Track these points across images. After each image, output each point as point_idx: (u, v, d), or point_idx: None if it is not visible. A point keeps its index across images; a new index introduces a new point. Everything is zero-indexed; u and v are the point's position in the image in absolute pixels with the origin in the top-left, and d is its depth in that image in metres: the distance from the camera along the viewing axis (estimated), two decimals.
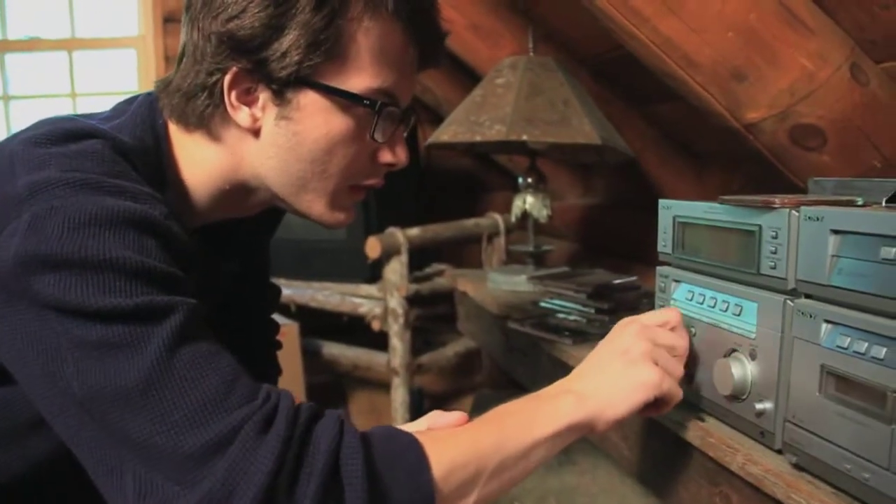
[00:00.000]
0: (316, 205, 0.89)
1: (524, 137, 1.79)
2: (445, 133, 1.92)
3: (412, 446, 0.73)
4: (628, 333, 0.91)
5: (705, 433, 1.01)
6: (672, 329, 0.97)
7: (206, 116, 0.85)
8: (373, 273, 2.61)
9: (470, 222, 2.74)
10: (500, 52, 2.28)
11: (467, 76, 2.90)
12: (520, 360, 1.76)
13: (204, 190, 0.89)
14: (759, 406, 0.92)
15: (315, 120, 0.83)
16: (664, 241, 1.14)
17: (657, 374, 0.87)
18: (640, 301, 1.66)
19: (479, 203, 3.55)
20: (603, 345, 0.93)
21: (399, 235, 2.42)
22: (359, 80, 0.83)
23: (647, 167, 2.33)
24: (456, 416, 0.85)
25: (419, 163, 3.11)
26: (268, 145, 0.85)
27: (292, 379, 2.54)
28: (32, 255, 0.67)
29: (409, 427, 0.85)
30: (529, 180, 2.06)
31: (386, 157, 0.91)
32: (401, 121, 0.90)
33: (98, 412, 0.67)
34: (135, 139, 0.83)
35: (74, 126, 0.78)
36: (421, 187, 3.00)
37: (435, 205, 3.08)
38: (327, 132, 0.84)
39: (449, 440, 0.77)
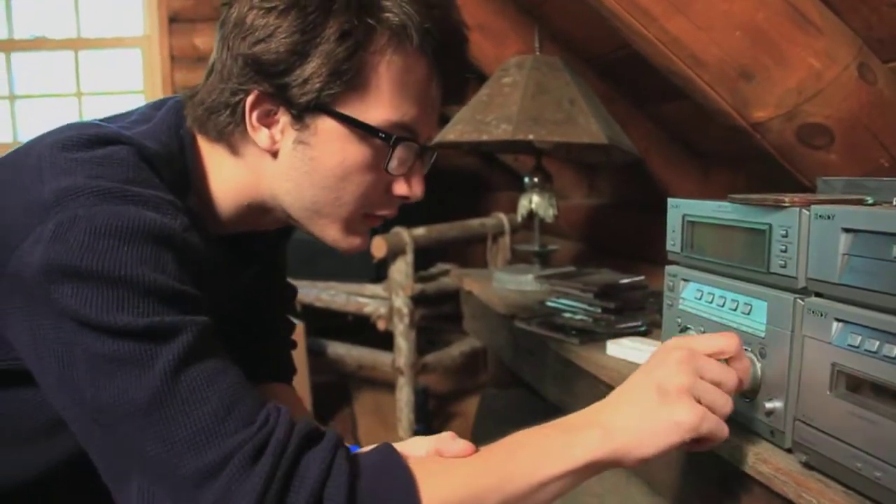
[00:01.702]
0: (329, 230, 0.90)
1: (530, 137, 1.79)
2: (452, 132, 1.92)
3: (404, 482, 0.71)
4: (671, 362, 0.80)
5: None
6: (729, 359, 0.85)
7: (227, 133, 0.86)
8: (378, 273, 2.62)
9: (475, 222, 2.74)
10: (506, 52, 2.29)
11: (473, 76, 2.90)
12: (526, 359, 1.76)
13: (228, 202, 0.90)
14: (768, 405, 0.91)
15: (332, 147, 0.84)
16: (673, 240, 1.14)
17: (695, 415, 0.77)
18: (647, 300, 1.66)
19: (483, 203, 3.55)
20: (641, 372, 0.83)
21: (404, 235, 2.42)
22: (378, 111, 0.83)
23: (652, 167, 2.32)
24: (463, 446, 0.79)
25: None
26: (285, 167, 0.86)
27: (298, 378, 2.51)
28: (54, 264, 0.68)
29: (416, 446, 0.85)
30: (535, 180, 2.06)
31: (401, 189, 0.90)
32: (419, 155, 0.90)
33: (106, 423, 0.68)
34: (160, 145, 0.84)
35: (100, 131, 0.79)
36: (426, 187, 2.99)
37: (439, 204, 3.07)
38: (342, 160, 0.84)
39: (446, 475, 0.74)
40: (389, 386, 2.75)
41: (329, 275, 2.77)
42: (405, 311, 2.46)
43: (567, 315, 1.62)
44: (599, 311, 1.59)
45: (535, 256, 2.13)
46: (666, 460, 1.20)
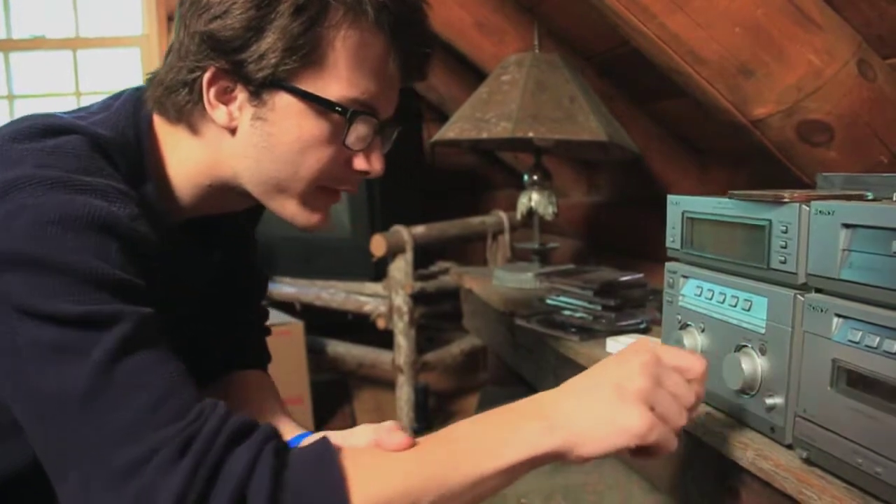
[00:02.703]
0: (288, 205, 0.89)
1: (530, 134, 1.79)
2: (451, 130, 1.92)
3: (333, 480, 0.69)
4: (634, 363, 0.76)
5: (714, 428, 1.01)
6: (690, 380, 0.81)
7: (186, 111, 0.86)
8: (377, 271, 2.61)
9: (475, 220, 2.74)
10: (505, 50, 2.28)
11: (472, 73, 2.90)
12: (526, 356, 1.76)
13: (188, 185, 0.90)
14: (769, 401, 0.91)
15: (289, 122, 0.84)
16: (672, 237, 1.14)
17: (646, 422, 0.72)
18: (647, 298, 1.66)
19: (482, 201, 3.55)
20: (601, 367, 0.79)
21: (404, 233, 2.42)
22: (335, 87, 0.83)
23: (651, 164, 2.32)
24: (401, 439, 0.76)
25: (424, 161, 3.11)
26: (243, 144, 0.86)
27: (297, 377, 2.54)
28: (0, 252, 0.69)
29: (360, 435, 0.86)
30: (535, 178, 2.06)
31: (361, 164, 0.90)
32: (379, 131, 0.90)
33: (45, 411, 0.68)
34: (115, 133, 0.84)
35: (53, 122, 0.80)
36: (425, 185, 3.00)
37: (438, 202, 3.08)
38: (300, 135, 0.84)
39: (379, 472, 0.71)
40: (389, 384, 2.75)
41: (328, 273, 2.77)
42: (405, 309, 2.46)
43: (567, 313, 1.62)
44: (599, 308, 1.59)
45: (534, 254, 2.13)
46: (666, 456, 1.20)
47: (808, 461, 0.86)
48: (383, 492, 0.70)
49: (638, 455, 0.77)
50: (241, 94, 0.84)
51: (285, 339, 2.56)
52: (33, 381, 0.68)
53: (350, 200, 2.68)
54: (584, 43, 2.23)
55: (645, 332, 1.50)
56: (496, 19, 2.33)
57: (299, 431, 0.99)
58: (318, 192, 0.89)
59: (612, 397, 0.74)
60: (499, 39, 2.35)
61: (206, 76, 0.83)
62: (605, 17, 1.59)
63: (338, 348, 2.79)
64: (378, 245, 2.39)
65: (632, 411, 0.73)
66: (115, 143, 0.82)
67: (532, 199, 2.04)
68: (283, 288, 2.86)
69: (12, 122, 0.81)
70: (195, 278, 0.98)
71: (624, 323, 1.54)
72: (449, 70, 2.99)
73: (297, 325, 2.59)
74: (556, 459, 0.74)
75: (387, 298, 2.54)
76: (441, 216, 2.68)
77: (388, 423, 0.85)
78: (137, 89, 0.91)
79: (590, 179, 2.93)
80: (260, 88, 0.82)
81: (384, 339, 2.66)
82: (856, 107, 1.33)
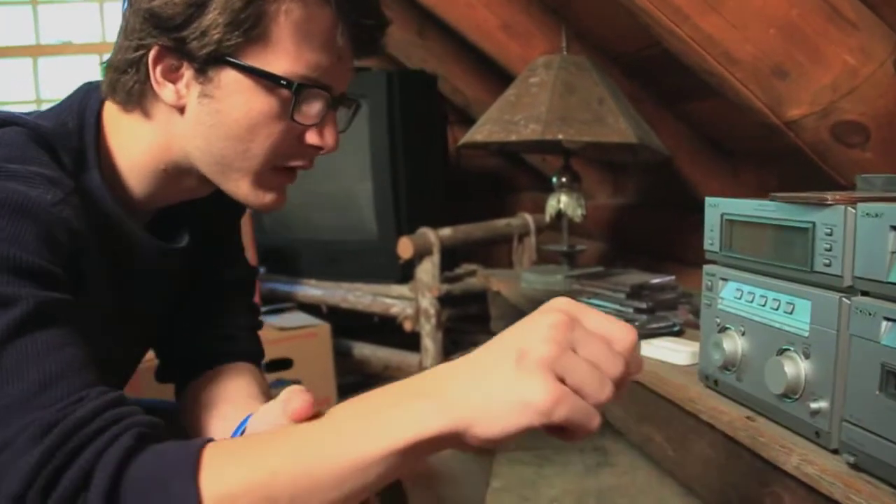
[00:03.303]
0: (241, 185, 0.88)
1: (560, 136, 1.78)
2: (480, 132, 1.92)
3: (186, 469, 0.63)
4: (541, 325, 0.62)
5: (756, 432, 1.00)
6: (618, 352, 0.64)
7: (135, 93, 0.85)
8: (404, 273, 2.61)
9: (501, 222, 2.74)
10: (531, 52, 2.28)
11: (496, 76, 2.89)
12: None
13: (142, 171, 0.89)
14: (813, 405, 0.91)
15: (236, 99, 0.83)
16: (711, 239, 1.13)
17: (549, 395, 0.59)
18: (678, 301, 1.65)
19: (506, 203, 3.55)
20: (507, 331, 0.65)
21: (431, 236, 2.42)
22: (281, 62, 0.82)
23: (679, 166, 2.31)
24: (301, 403, 0.70)
25: (448, 163, 3.11)
26: (193, 123, 0.85)
27: (324, 379, 2.54)
28: None
29: (269, 411, 0.84)
30: (563, 180, 2.06)
31: (313, 139, 0.89)
32: (332, 106, 0.89)
33: None
34: (56, 123, 0.84)
35: None
36: (449, 187, 3.00)
37: (462, 205, 3.08)
38: (247, 111, 0.83)
39: (237, 460, 0.65)
40: None
41: (354, 276, 2.77)
42: (432, 311, 2.46)
43: None
44: (631, 311, 1.58)
45: (563, 257, 2.12)
46: (702, 458, 1.20)
47: (855, 466, 0.85)
48: (236, 483, 0.63)
49: (555, 435, 0.64)
50: (187, 72, 0.83)
51: (312, 340, 2.56)
52: None
53: (376, 203, 2.68)
54: (610, 44, 2.22)
55: (678, 334, 1.49)
56: (523, 21, 2.32)
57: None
58: (271, 172, 0.89)
59: (513, 366, 0.60)
60: (525, 41, 2.34)
61: (151, 54, 0.82)
62: (636, 18, 1.58)
63: (364, 350, 2.79)
64: (405, 247, 2.39)
65: (532, 382, 0.59)
66: (54, 133, 0.83)
67: (561, 201, 2.04)
68: (309, 290, 2.86)
69: None
70: (157, 268, 0.96)
71: (656, 326, 1.53)
72: (474, 73, 2.99)
73: (323, 327, 2.59)
74: (450, 444, 0.63)
75: (413, 301, 2.54)
76: (465, 218, 2.68)
77: (294, 387, 0.78)
78: (90, 82, 0.91)
79: (615, 181, 2.92)
80: (205, 65, 0.82)
81: (409, 342, 2.65)
82: (892, 107, 1.32)
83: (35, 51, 3.49)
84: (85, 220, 0.81)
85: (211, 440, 0.66)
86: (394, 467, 0.62)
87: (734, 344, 1.07)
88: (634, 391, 1.38)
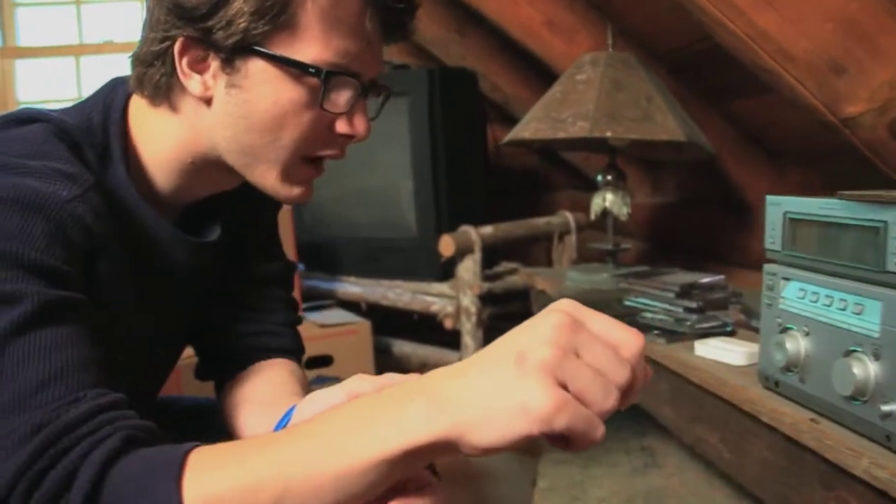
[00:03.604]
0: (268, 176, 0.87)
1: (608, 134, 1.77)
2: (526, 130, 1.91)
3: (168, 474, 0.62)
4: (544, 326, 0.58)
5: (821, 435, 0.98)
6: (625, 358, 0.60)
7: (162, 86, 0.84)
8: (444, 271, 2.61)
9: (541, 220, 2.72)
10: (575, 49, 2.26)
11: (536, 73, 2.88)
12: None
13: (168, 165, 0.89)
14: (884, 408, 0.89)
15: (264, 88, 0.81)
16: (772, 238, 1.11)
17: (549, 401, 0.55)
18: (729, 300, 1.63)
19: (543, 201, 3.53)
20: (509, 333, 0.61)
21: (472, 234, 2.41)
22: (309, 49, 0.80)
23: (722, 164, 2.29)
24: (381, 381, 0.71)
25: (488, 161, 3.10)
26: (220, 114, 0.84)
27: None
28: None
29: (326, 394, 0.82)
30: (609, 178, 2.04)
31: (343, 127, 0.86)
32: (362, 93, 0.86)
33: None
34: (81, 119, 0.84)
35: (25, 113, 0.82)
36: (488, 185, 2.99)
37: (500, 202, 3.07)
38: (276, 101, 0.82)
39: (222, 461, 0.63)
40: None
41: (394, 273, 2.77)
42: (473, 310, 2.45)
43: (648, 315, 1.60)
44: (681, 310, 1.57)
45: (608, 255, 2.11)
46: (760, 460, 1.18)
47: None
48: (220, 488, 0.61)
49: (556, 445, 0.59)
50: (213, 63, 0.81)
51: (352, 338, 2.57)
52: None
53: (416, 200, 2.68)
54: (655, 41, 2.20)
55: (731, 334, 1.48)
56: (567, 18, 2.31)
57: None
58: (300, 164, 0.87)
59: (514, 370, 0.56)
60: (569, 38, 2.32)
61: (177, 46, 0.81)
62: (685, 14, 1.57)
63: (404, 348, 2.79)
64: (447, 245, 2.39)
65: (532, 387, 0.55)
66: (78, 128, 0.82)
67: (606, 200, 2.02)
68: (349, 287, 2.87)
69: (5, 113, 0.84)
70: (186, 264, 0.94)
71: (707, 325, 1.51)
72: (513, 70, 2.98)
73: (364, 325, 2.60)
74: (445, 451, 0.59)
75: (453, 299, 2.53)
76: (502, 216, 2.67)
77: (356, 377, 0.79)
78: (116, 78, 0.91)
79: (654, 180, 2.89)
80: (232, 55, 0.80)
81: (448, 339, 2.65)
82: None
83: (78, 50, 3.53)
84: (107, 216, 0.80)
85: (198, 444, 0.65)
86: (385, 476, 0.59)
87: (797, 344, 1.05)
88: (688, 391, 1.37)
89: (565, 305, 0.60)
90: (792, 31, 1.35)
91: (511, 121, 3.17)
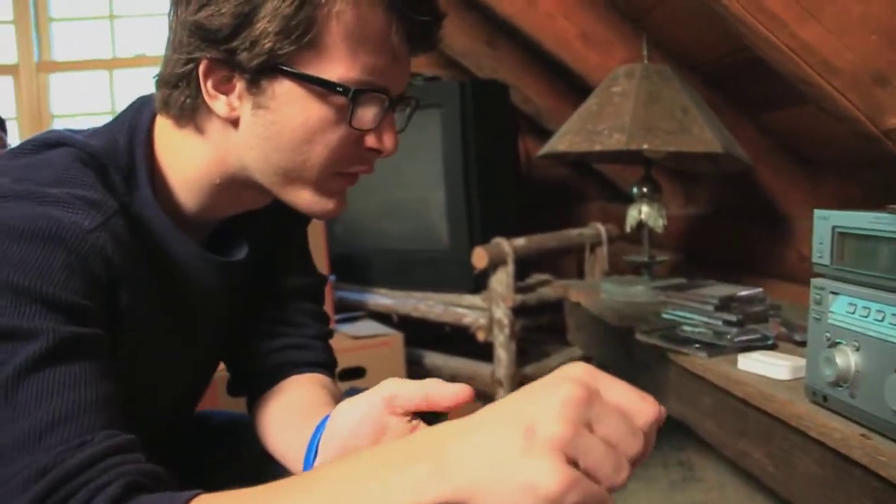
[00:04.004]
0: (302, 195, 0.87)
1: (644, 146, 1.77)
2: (562, 142, 1.91)
3: None
4: (555, 398, 0.55)
5: (874, 451, 0.97)
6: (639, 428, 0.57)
7: (188, 107, 0.83)
8: (475, 283, 2.61)
9: (573, 232, 2.72)
10: (610, 61, 2.26)
11: (567, 86, 2.88)
12: (642, 371, 1.73)
13: (193, 186, 0.88)
14: None
15: (292, 109, 0.81)
16: (820, 252, 1.11)
17: (559, 481, 0.52)
18: (768, 313, 1.62)
19: (573, 213, 3.52)
20: (518, 396, 0.58)
21: (505, 245, 2.41)
22: (336, 67, 0.79)
23: (755, 176, 2.27)
24: (457, 389, 0.70)
25: (520, 173, 3.10)
26: (248, 135, 0.83)
27: None
28: None
29: (362, 401, 0.79)
30: (644, 190, 2.03)
31: (371, 143, 0.86)
32: (389, 108, 0.85)
33: None
34: (107, 141, 0.84)
35: (51, 136, 0.82)
36: (521, 197, 2.99)
37: (529, 214, 3.06)
38: (304, 121, 0.81)
39: None
40: (484, 397, 2.73)
41: (425, 285, 2.78)
42: (506, 322, 2.45)
43: (688, 328, 1.59)
44: (720, 323, 1.56)
45: (643, 268, 2.10)
46: (807, 475, 1.17)
47: None
48: None
49: None
50: (238, 83, 0.81)
51: (385, 350, 2.57)
52: None
53: (448, 212, 2.68)
54: (690, 53, 2.20)
55: (773, 348, 1.47)
56: (601, 30, 2.31)
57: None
58: (332, 177, 0.86)
59: (521, 443, 0.54)
60: (604, 50, 2.32)
61: (201, 68, 0.80)
62: (724, 27, 1.56)
63: (435, 360, 2.79)
64: (480, 257, 2.39)
65: (541, 465, 0.53)
66: (104, 151, 0.82)
67: (642, 212, 2.02)
68: (380, 299, 2.88)
69: (33, 135, 0.84)
70: (215, 283, 0.94)
71: (747, 339, 1.50)
72: (544, 82, 2.98)
73: (396, 337, 2.60)
74: None
75: (485, 311, 2.53)
76: (532, 228, 2.67)
77: (433, 380, 0.76)
78: (142, 97, 0.91)
79: (686, 192, 2.88)
80: (257, 76, 0.79)
81: (478, 351, 2.65)
82: None
83: (111, 63, 3.57)
84: (132, 240, 0.81)
85: (199, 493, 0.66)
86: None
87: (847, 359, 1.04)
88: (731, 405, 1.36)
89: (580, 373, 0.57)
90: (836, 43, 1.35)
91: (542, 132, 3.18)
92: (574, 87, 2.79)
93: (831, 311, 1.08)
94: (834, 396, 1.08)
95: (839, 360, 1.05)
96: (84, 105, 3.60)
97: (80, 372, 0.70)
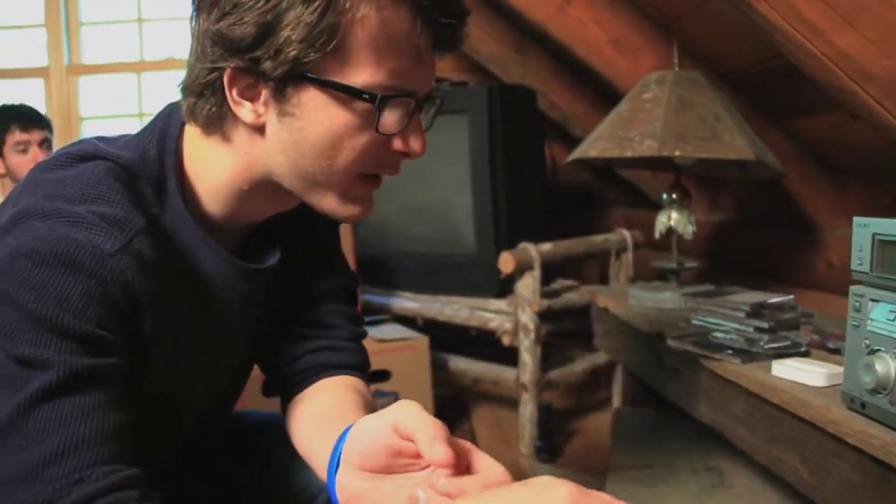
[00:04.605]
0: (328, 199, 0.86)
1: (676, 153, 1.77)
2: (593, 148, 1.92)
3: None
4: (552, 499, 0.62)
5: None
6: None
7: (214, 116, 0.83)
8: (502, 287, 2.62)
9: (599, 238, 2.72)
10: (639, 68, 2.27)
11: (594, 92, 2.89)
12: (672, 377, 1.74)
13: (221, 193, 0.89)
14: None
15: (317, 115, 0.80)
16: (860, 260, 1.11)
17: None
18: (800, 320, 1.62)
19: (596, 218, 3.53)
20: (507, 498, 0.65)
21: (532, 251, 2.42)
22: (362, 73, 0.79)
23: (783, 182, 2.27)
24: (439, 455, 0.70)
25: (546, 178, 3.11)
26: (274, 142, 0.83)
27: (421, 392, 2.56)
28: None
29: (371, 425, 0.80)
30: (674, 196, 2.04)
31: (398, 146, 0.85)
32: (415, 110, 0.84)
33: None
34: (138, 152, 0.85)
35: (83, 149, 0.83)
36: (547, 202, 3.00)
37: (553, 219, 3.07)
38: (330, 127, 0.80)
39: None
40: (507, 401, 2.75)
41: (451, 289, 2.78)
42: (531, 326, 2.45)
43: (719, 335, 1.59)
44: (751, 330, 1.56)
45: (671, 274, 2.10)
46: (843, 482, 1.17)
47: None
48: None
49: None
50: (264, 91, 0.80)
51: (410, 353, 2.58)
52: None
53: (475, 216, 2.70)
54: (720, 59, 2.20)
55: (805, 355, 1.47)
56: (632, 37, 2.32)
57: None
58: (357, 181, 0.86)
59: None
60: (634, 57, 2.33)
61: (226, 77, 0.80)
62: (758, 33, 1.57)
63: (460, 364, 2.80)
64: (507, 262, 2.40)
65: None
66: (135, 162, 0.83)
67: (672, 218, 2.02)
68: (405, 302, 2.89)
69: (69, 145, 0.86)
70: (246, 290, 0.94)
71: (779, 345, 1.50)
72: (571, 88, 2.99)
73: (422, 340, 2.61)
74: None
75: (511, 315, 2.54)
76: (555, 234, 2.68)
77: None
78: (171, 105, 0.91)
79: (711, 199, 2.88)
80: (282, 83, 0.79)
81: (502, 355, 2.65)
82: None
83: (139, 66, 3.61)
84: (160, 257, 0.81)
85: None
86: None
87: (887, 366, 1.04)
88: (765, 411, 1.36)
89: (563, 495, 0.61)
90: (873, 50, 1.35)
91: (568, 138, 3.19)
92: (601, 94, 2.80)
93: (871, 319, 1.09)
94: (873, 403, 1.09)
95: (879, 367, 1.05)
96: (112, 107, 3.65)
97: (90, 404, 0.72)
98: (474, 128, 2.63)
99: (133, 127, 3.43)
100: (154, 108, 3.63)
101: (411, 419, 0.74)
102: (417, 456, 0.76)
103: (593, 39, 2.34)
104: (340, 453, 0.82)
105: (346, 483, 0.80)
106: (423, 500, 0.72)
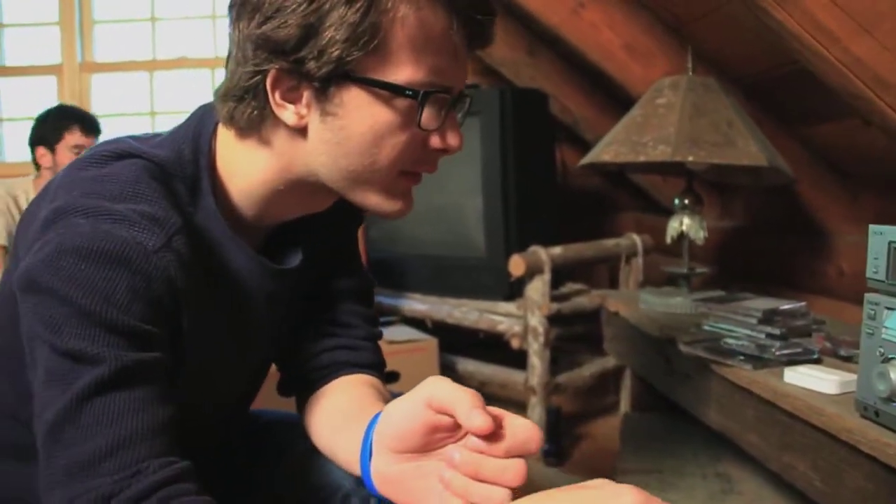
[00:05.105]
0: (370, 196, 0.88)
1: (689, 158, 1.77)
2: (606, 153, 1.92)
3: None
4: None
5: None
6: None
7: (255, 120, 0.84)
8: (511, 291, 2.62)
9: (609, 242, 2.73)
10: (653, 73, 2.27)
11: (605, 96, 2.89)
12: (682, 382, 1.74)
13: (253, 194, 0.90)
14: None
15: (360, 114, 0.82)
16: (875, 268, 1.11)
17: None
18: (812, 327, 1.62)
19: (606, 222, 3.53)
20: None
21: (542, 254, 2.42)
22: (403, 70, 0.80)
23: (794, 189, 2.27)
24: (479, 423, 0.70)
25: (557, 181, 3.11)
26: (316, 142, 0.84)
27: None
28: (24, 277, 0.75)
29: (404, 406, 0.78)
30: (686, 202, 2.04)
31: (436, 143, 0.87)
32: (451, 106, 0.86)
33: (37, 430, 0.73)
34: (173, 152, 0.86)
35: (117, 147, 0.84)
36: (558, 206, 3.00)
37: (563, 223, 3.07)
38: (372, 125, 0.82)
39: None
40: (515, 404, 2.74)
41: (460, 291, 2.79)
42: (540, 330, 2.45)
43: (731, 340, 1.59)
44: (763, 336, 1.56)
45: (682, 279, 2.10)
46: (856, 490, 1.17)
47: None
48: None
49: None
50: (306, 92, 0.81)
51: (420, 355, 2.59)
52: (37, 399, 0.73)
53: (486, 219, 2.70)
54: (732, 65, 2.20)
55: (817, 362, 1.46)
56: (645, 42, 2.32)
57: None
58: (398, 178, 0.88)
59: None
60: (647, 62, 2.33)
61: (269, 79, 0.81)
62: (773, 39, 1.57)
63: (468, 366, 2.80)
64: (517, 265, 2.40)
65: None
66: (170, 162, 0.84)
67: (683, 223, 2.02)
68: (414, 304, 2.89)
69: (103, 143, 0.86)
70: (272, 290, 0.96)
71: (791, 352, 1.50)
72: (582, 92, 2.99)
73: (431, 342, 2.62)
74: None
75: (520, 318, 2.54)
76: (565, 238, 2.68)
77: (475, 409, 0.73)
78: (204, 106, 0.92)
79: (722, 204, 2.88)
80: (325, 84, 0.80)
81: (510, 358, 2.66)
82: None
83: (152, 65, 3.63)
84: (195, 252, 0.82)
85: None
86: None
87: None
88: (776, 418, 1.36)
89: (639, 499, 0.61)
90: (889, 58, 1.35)
91: (579, 142, 3.19)
92: (612, 97, 2.80)
93: (885, 327, 1.08)
94: (886, 412, 1.08)
95: (893, 376, 1.05)
96: (125, 105, 3.66)
97: (139, 398, 0.73)
98: (486, 131, 2.64)
99: (145, 126, 3.45)
100: (166, 106, 3.65)
101: (447, 392, 0.75)
102: (453, 429, 0.76)
103: (606, 44, 2.35)
104: (372, 441, 0.83)
105: (383, 468, 0.80)
106: (459, 461, 0.73)
